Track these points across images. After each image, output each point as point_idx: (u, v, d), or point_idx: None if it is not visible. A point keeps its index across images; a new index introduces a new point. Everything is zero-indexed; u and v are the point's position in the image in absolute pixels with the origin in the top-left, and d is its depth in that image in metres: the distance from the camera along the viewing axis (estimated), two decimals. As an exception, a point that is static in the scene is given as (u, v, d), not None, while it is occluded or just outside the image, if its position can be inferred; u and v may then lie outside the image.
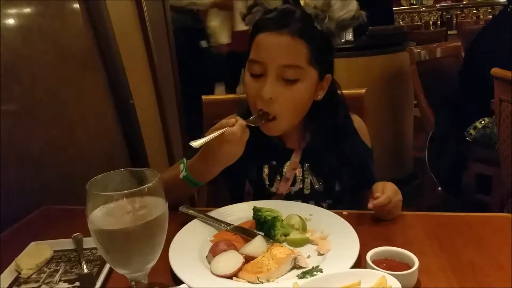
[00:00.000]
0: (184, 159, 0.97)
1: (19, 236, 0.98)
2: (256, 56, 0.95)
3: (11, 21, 1.18)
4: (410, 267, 0.67)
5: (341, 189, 1.08)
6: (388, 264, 0.70)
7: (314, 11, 0.95)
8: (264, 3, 0.99)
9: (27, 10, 1.26)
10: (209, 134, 0.87)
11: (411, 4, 7.22)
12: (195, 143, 0.85)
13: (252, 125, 0.93)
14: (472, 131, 2.14)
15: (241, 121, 0.89)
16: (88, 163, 1.44)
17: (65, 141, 1.38)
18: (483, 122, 2.12)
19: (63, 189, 1.29)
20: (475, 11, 5.97)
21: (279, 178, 1.06)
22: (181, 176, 0.94)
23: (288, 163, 1.06)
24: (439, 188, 2.66)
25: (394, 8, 4.85)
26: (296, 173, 1.06)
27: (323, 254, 0.78)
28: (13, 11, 1.19)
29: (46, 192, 1.26)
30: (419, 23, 6.06)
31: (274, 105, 0.95)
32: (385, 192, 0.89)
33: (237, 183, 1.08)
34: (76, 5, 1.46)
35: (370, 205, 0.88)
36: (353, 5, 0.96)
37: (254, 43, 0.97)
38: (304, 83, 0.95)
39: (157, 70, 1.95)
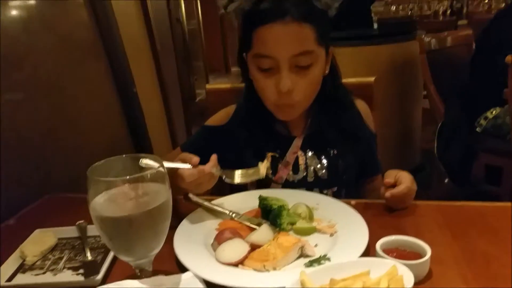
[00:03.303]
0: None
1: (23, 224, 0.97)
2: (264, 50, 0.90)
3: (12, 10, 1.16)
4: (421, 257, 0.65)
5: (345, 175, 1.06)
6: (399, 253, 0.67)
7: None
8: None
9: (28, -1, 1.24)
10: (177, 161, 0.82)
11: (420, -7, 7.09)
12: (144, 162, 0.79)
13: (233, 182, 0.86)
14: (482, 122, 2.10)
15: (206, 168, 0.80)
16: (91, 152, 1.44)
17: (68, 130, 1.37)
18: (494, 112, 2.08)
19: (67, 178, 1.28)
20: (486, 1, 5.84)
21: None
22: None
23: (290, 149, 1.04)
24: (446, 180, 2.63)
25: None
26: (299, 161, 1.03)
27: (332, 235, 0.77)
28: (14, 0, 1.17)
29: (49, 182, 1.25)
30: (428, 12, 5.95)
31: (293, 95, 0.92)
32: (403, 181, 0.86)
33: None
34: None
35: (387, 194, 0.85)
36: None
37: (257, 37, 0.91)
38: (316, 64, 0.93)
39: (160, 59, 1.94)
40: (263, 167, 0.86)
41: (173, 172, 0.82)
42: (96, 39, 1.52)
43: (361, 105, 1.12)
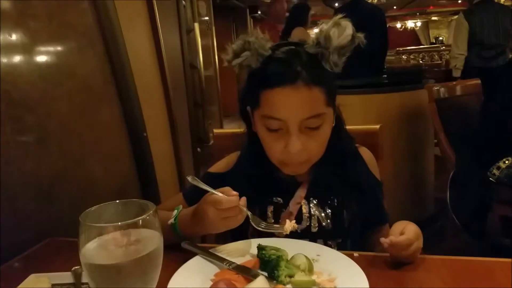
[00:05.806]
0: (181, 206, 0.93)
1: (21, 268, 0.96)
2: (273, 113, 0.89)
3: (28, 55, 1.22)
4: (423, 317, 0.61)
5: (351, 225, 1.02)
6: (399, 312, 0.64)
7: (317, 49, 0.89)
8: (257, 49, 0.89)
9: (45, 44, 1.30)
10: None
11: (431, 43, 7.25)
12: (190, 178, 0.84)
13: (257, 227, 0.88)
14: (495, 171, 2.06)
15: (242, 201, 0.83)
16: (99, 196, 1.43)
17: (77, 173, 1.38)
18: (507, 162, 2.03)
19: (73, 222, 1.27)
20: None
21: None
22: (169, 221, 0.89)
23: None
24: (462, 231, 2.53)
25: (413, 47, 4.88)
26: (303, 210, 1.01)
27: None
28: (31, 45, 1.23)
29: (55, 225, 1.24)
30: (439, 61, 6.04)
31: (303, 154, 0.92)
32: (407, 233, 0.82)
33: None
34: (94, 39, 1.50)
35: (386, 240, 0.81)
36: (349, 28, 0.88)
37: (265, 98, 0.90)
38: (326, 124, 0.93)
39: (172, 104, 1.98)
40: (289, 225, 0.87)
41: (203, 201, 0.84)
42: (109, 83, 1.57)
43: (365, 153, 1.11)
